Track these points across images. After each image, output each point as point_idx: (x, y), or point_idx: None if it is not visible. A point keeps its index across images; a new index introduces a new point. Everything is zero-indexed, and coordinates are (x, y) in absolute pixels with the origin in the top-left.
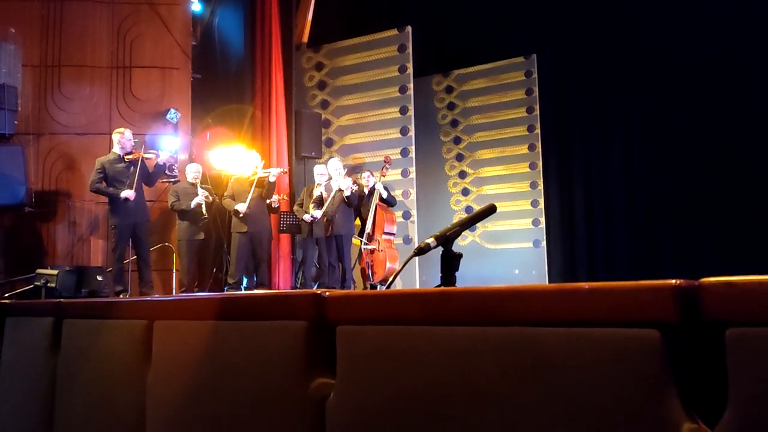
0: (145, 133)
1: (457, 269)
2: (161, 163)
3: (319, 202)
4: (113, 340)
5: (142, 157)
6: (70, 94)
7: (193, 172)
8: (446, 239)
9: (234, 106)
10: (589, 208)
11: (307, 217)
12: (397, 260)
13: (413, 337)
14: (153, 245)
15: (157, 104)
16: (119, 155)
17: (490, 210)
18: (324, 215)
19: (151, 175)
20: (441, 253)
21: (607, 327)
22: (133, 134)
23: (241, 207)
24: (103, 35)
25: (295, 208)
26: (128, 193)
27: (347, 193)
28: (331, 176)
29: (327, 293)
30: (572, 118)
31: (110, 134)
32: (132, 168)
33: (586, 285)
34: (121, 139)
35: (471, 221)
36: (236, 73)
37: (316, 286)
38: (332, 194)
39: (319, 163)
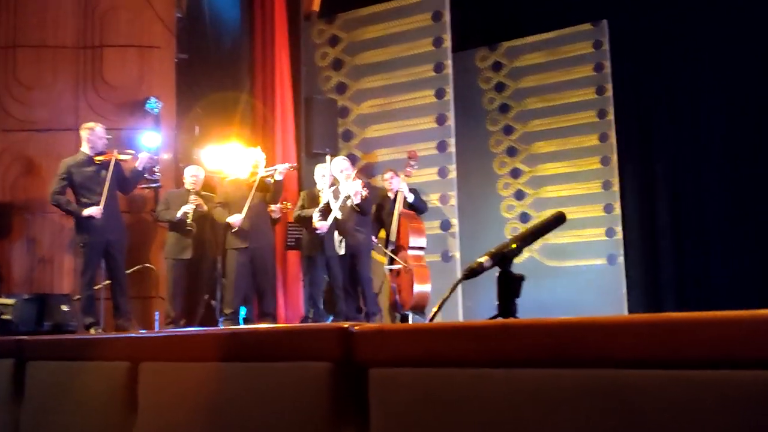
0: (119, 127)
1: (518, 295)
2: (140, 169)
3: (325, 212)
4: (89, 387)
5: (116, 158)
6: (27, 81)
7: (189, 176)
8: (504, 257)
9: (229, 93)
10: (678, 214)
11: (321, 225)
12: (428, 281)
13: (466, 382)
14: (130, 266)
15: (134, 92)
16: (89, 156)
17: (558, 220)
18: (337, 228)
19: (128, 181)
20: (498, 274)
21: (717, 369)
22: (105, 130)
23: (235, 219)
24: (67, 8)
25: (295, 214)
26: (92, 211)
27: (356, 200)
28: (337, 179)
29: (356, 327)
30: (655, 99)
31: (77, 130)
32: (104, 172)
33: (689, 315)
34: (90, 136)
35: (534, 235)
36: (231, 51)
37: (330, 318)
38: (340, 201)
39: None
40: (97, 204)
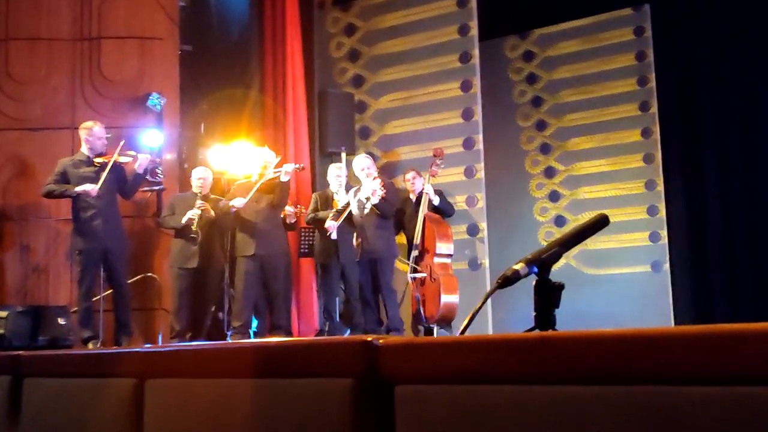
0: (119, 126)
1: (557, 305)
2: (140, 171)
3: (342, 213)
4: (92, 406)
5: (116, 161)
6: (20, 76)
7: (196, 179)
8: (542, 264)
9: (237, 88)
10: (730, 215)
11: (330, 224)
12: (456, 291)
13: (502, 400)
14: (131, 276)
15: (134, 87)
16: (88, 157)
17: (601, 223)
18: (356, 232)
19: (129, 185)
20: (535, 283)
21: None
22: (104, 129)
23: (238, 202)
24: None
25: (309, 217)
26: (87, 187)
27: (374, 200)
28: (358, 178)
29: (380, 341)
30: (703, 90)
31: (73, 129)
32: (103, 174)
33: (744, 327)
34: (89, 136)
35: (575, 239)
36: (239, 42)
37: (348, 332)
38: (357, 201)
39: (338, 161)
40: (94, 207)
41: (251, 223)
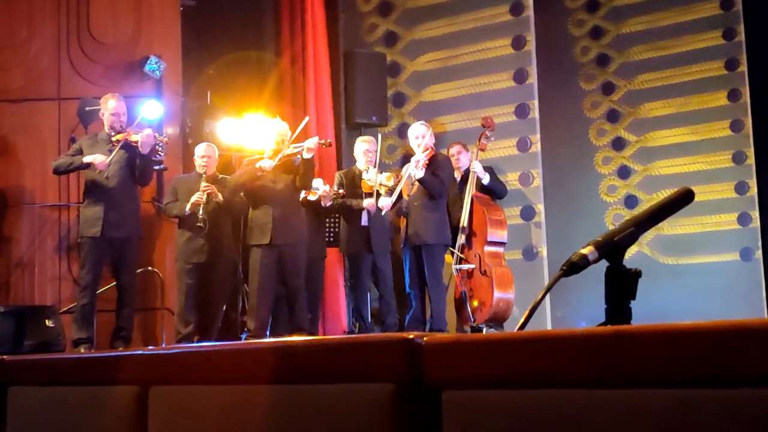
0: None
1: (632, 297)
2: (145, 152)
3: (392, 193)
4: (88, 417)
5: (127, 139)
6: None
7: (199, 158)
8: (614, 248)
9: (248, 49)
10: None
11: (384, 203)
12: (510, 286)
13: (570, 407)
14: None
15: (129, 50)
16: (107, 135)
17: (685, 198)
18: (398, 211)
19: (138, 170)
20: (606, 270)
21: None
22: (121, 102)
23: (267, 163)
24: None
25: (336, 201)
26: (95, 158)
27: (417, 173)
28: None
29: (425, 339)
30: None
31: (60, 99)
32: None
33: None
34: (104, 111)
35: (653, 218)
36: None
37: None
38: (404, 179)
39: (365, 135)
40: (102, 189)
41: (267, 208)
